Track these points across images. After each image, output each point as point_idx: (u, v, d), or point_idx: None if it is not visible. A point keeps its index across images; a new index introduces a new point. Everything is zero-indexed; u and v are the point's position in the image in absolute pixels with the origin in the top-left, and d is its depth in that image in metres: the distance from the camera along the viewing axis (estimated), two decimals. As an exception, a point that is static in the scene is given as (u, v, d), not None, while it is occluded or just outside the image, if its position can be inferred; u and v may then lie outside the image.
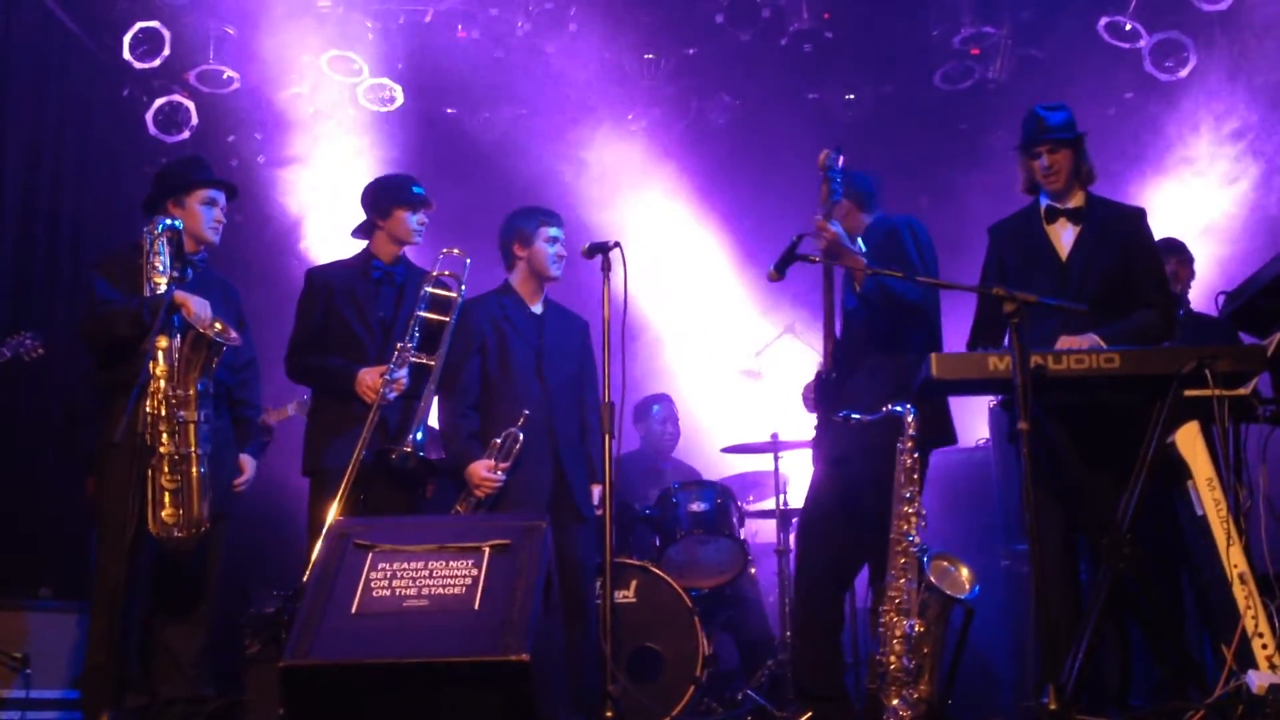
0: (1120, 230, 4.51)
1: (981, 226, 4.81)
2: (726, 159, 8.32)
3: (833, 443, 4.65)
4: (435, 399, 5.10)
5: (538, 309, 5.24)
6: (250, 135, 8.03)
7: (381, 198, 5.24)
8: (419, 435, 4.92)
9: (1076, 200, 4.57)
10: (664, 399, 7.24)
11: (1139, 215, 4.60)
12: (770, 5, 7.62)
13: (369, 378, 4.97)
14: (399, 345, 5.00)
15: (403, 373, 4.98)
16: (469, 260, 5.23)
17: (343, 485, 4.82)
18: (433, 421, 5.31)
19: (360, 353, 5.09)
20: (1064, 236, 4.55)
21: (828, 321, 4.65)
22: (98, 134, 7.48)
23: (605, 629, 4.13)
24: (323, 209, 8.05)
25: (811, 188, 6.33)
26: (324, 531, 4.68)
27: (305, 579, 4.65)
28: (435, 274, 5.17)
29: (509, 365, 5.07)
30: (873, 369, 4.63)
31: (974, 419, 6.96)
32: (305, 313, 5.22)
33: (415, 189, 5.24)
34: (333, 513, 4.78)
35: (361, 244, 5.32)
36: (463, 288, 5.18)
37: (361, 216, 5.31)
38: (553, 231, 5.19)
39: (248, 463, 5.02)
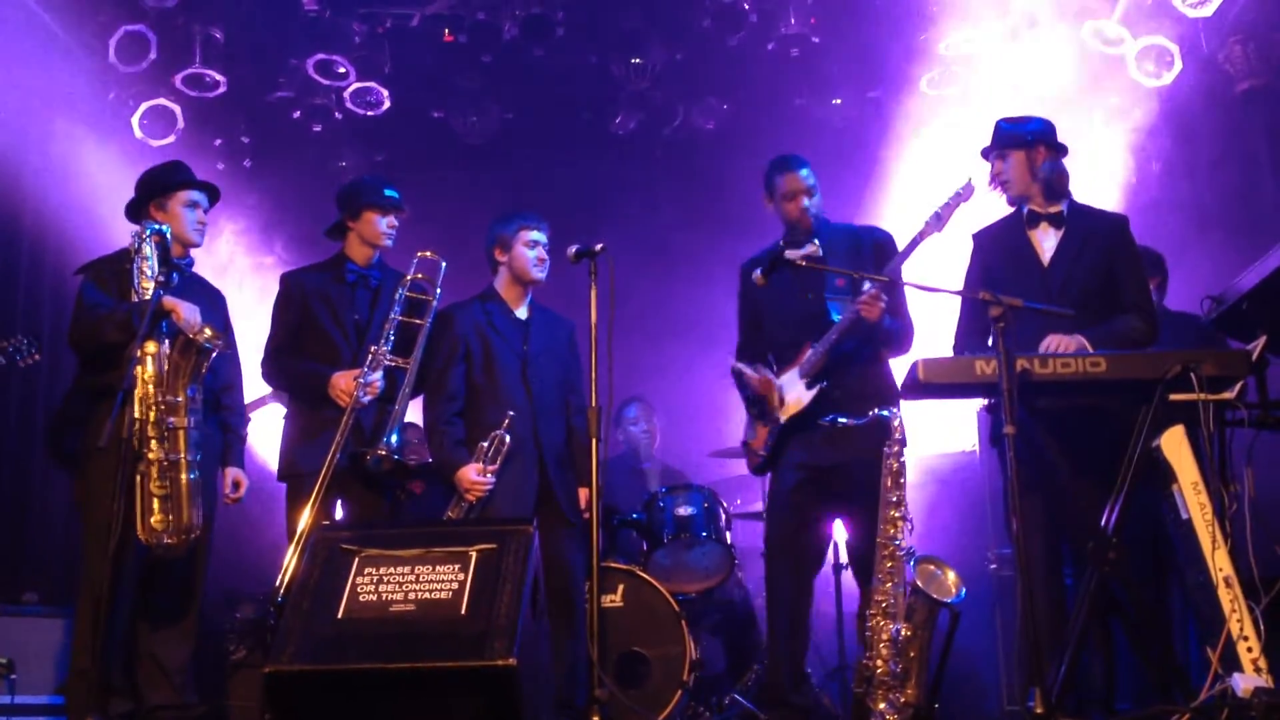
0: (1103, 236, 4.55)
1: (967, 231, 4.83)
2: (712, 163, 8.32)
3: (816, 448, 4.75)
4: (411, 401, 5.10)
5: (522, 313, 5.21)
6: (237, 139, 8.02)
7: (352, 198, 5.23)
8: (394, 438, 4.91)
9: (1057, 206, 4.61)
10: (636, 401, 7.23)
11: (1122, 222, 4.63)
12: (758, 10, 7.63)
13: (342, 381, 4.96)
14: (373, 349, 4.99)
15: (377, 376, 4.97)
16: (444, 264, 5.21)
17: (316, 489, 4.82)
18: (417, 420, 5.30)
19: (335, 356, 5.07)
20: (1045, 242, 4.59)
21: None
22: (84, 137, 7.45)
23: (592, 633, 4.12)
24: (307, 213, 8.03)
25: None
26: (303, 536, 4.71)
27: (278, 584, 4.66)
28: (410, 277, 5.15)
29: (493, 372, 5.06)
30: (860, 375, 4.79)
31: (962, 423, 6.97)
32: (281, 316, 5.21)
33: (387, 191, 5.21)
34: (306, 517, 4.78)
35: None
36: (438, 291, 5.16)
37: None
38: (533, 235, 5.16)
39: (242, 476, 5.01)
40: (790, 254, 4.75)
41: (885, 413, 4.48)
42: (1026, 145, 4.60)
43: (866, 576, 4.67)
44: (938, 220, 4.67)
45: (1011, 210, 4.73)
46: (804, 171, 4.98)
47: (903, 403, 4.63)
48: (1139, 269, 4.60)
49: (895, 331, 4.85)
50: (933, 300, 4.81)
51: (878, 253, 4.85)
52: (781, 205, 4.99)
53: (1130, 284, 4.52)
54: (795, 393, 4.85)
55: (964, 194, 4.69)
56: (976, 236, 4.79)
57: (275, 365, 5.18)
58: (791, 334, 4.92)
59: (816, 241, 4.83)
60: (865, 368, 4.84)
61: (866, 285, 4.64)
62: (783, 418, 4.86)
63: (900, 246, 4.78)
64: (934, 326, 6.02)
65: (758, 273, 4.79)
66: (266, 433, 6.64)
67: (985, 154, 4.74)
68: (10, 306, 6.63)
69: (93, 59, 7.33)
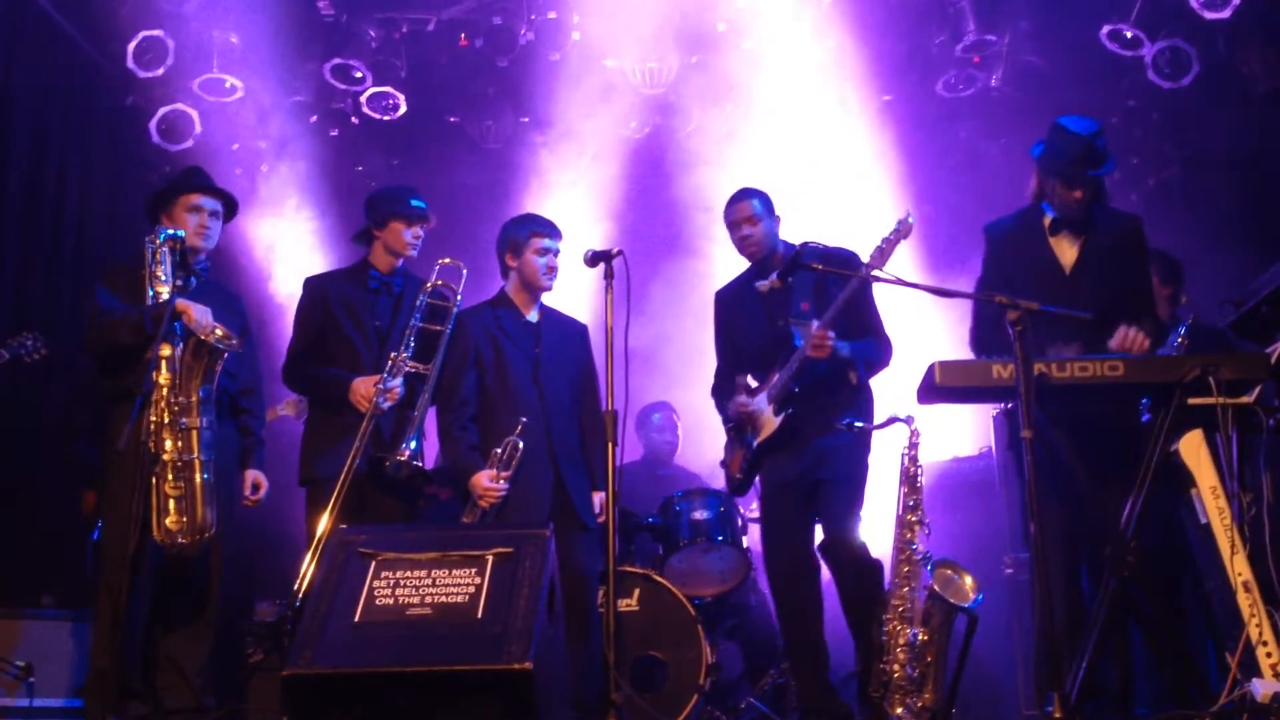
0: (1123, 241, 4.51)
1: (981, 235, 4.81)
2: (729, 167, 8.31)
3: (789, 464, 4.88)
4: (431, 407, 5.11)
5: (533, 317, 5.22)
6: (253, 144, 8.05)
7: (379, 207, 5.26)
8: (413, 444, 4.92)
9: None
10: (663, 406, 7.24)
11: (1136, 223, 4.59)
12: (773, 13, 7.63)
13: (363, 387, 4.98)
14: (393, 355, 5.01)
15: (397, 382, 4.99)
16: (465, 270, 5.23)
17: (335, 494, 4.83)
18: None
19: (357, 361, 5.10)
20: (1068, 249, 4.53)
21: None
22: (101, 143, 7.49)
23: (608, 637, 4.13)
24: (325, 218, 8.06)
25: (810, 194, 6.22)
26: (321, 540, 4.73)
27: (296, 587, 4.68)
28: (432, 284, 5.17)
29: (506, 376, 5.06)
30: (830, 391, 4.87)
31: (978, 427, 6.96)
32: (303, 320, 5.23)
33: (414, 202, 5.24)
34: (324, 522, 4.80)
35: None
36: (459, 298, 5.18)
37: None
38: (544, 242, 5.16)
39: (262, 479, 5.03)
40: (759, 284, 4.86)
41: (858, 423, 4.62)
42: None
43: (836, 571, 4.80)
44: (880, 255, 4.67)
45: (1027, 206, 4.68)
46: (750, 203, 5.05)
47: (919, 407, 4.61)
48: (1147, 273, 4.59)
49: (864, 356, 4.90)
50: (936, 300, 4.80)
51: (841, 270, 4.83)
52: (730, 234, 5.11)
53: (1138, 289, 4.50)
54: (766, 417, 4.94)
55: (903, 230, 4.70)
56: (989, 230, 4.73)
57: (296, 369, 5.20)
58: (763, 359, 5.01)
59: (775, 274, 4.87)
60: (837, 384, 4.90)
61: (814, 325, 4.69)
62: (755, 441, 4.98)
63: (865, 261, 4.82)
64: (938, 329, 6.03)
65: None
66: (286, 437, 6.65)
67: (1069, 173, 4.43)
68: (28, 312, 6.65)
69: (110, 64, 7.37)
